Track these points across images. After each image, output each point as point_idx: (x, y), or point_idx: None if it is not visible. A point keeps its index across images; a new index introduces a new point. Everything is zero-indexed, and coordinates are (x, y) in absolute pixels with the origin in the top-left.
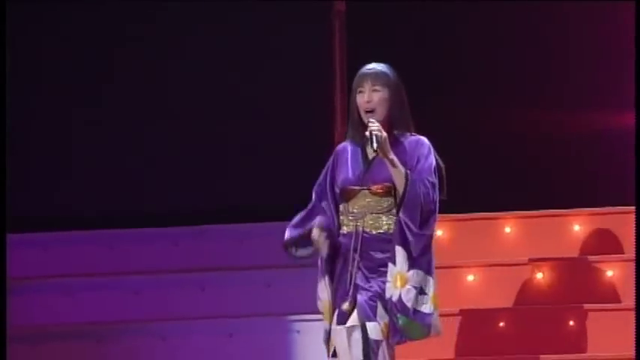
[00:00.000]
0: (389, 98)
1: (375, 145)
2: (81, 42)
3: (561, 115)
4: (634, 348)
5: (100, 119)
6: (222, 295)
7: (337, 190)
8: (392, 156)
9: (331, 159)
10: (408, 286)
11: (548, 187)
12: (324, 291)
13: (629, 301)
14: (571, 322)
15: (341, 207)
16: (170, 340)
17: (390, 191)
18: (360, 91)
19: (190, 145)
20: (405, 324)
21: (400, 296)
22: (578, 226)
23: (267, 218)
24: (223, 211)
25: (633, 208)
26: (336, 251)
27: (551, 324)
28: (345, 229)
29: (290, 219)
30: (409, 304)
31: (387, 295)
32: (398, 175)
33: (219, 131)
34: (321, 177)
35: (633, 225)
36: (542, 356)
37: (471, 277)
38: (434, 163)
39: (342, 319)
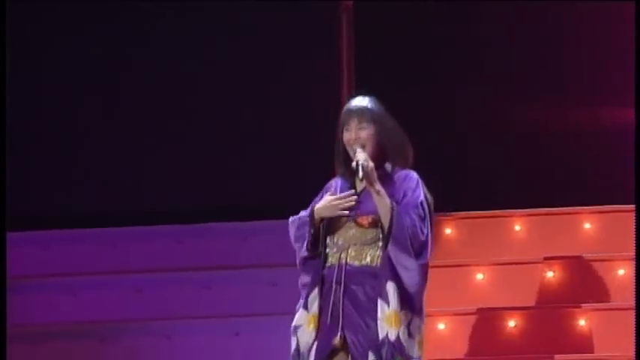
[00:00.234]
0: (376, 133)
1: (361, 174)
2: (81, 42)
3: (571, 112)
4: (634, 348)
5: (102, 117)
6: (226, 293)
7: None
8: (378, 187)
9: (320, 193)
10: (402, 327)
11: (558, 185)
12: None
13: None
14: (582, 322)
15: (327, 240)
16: (173, 339)
17: (376, 224)
18: (347, 129)
19: (194, 143)
20: None
21: (398, 336)
22: (588, 224)
23: (272, 216)
24: (227, 208)
25: None
26: (322, 281)
27: (562, 323)
28: (329, 261)
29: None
30: (405, 344)
31: (381, 335)
32: (383, 205)
33: (224, 129)
34: (309, 209)
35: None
36: (552, 356)
37: (480, 276)
38: (421, 196)
39: (332, 354)
